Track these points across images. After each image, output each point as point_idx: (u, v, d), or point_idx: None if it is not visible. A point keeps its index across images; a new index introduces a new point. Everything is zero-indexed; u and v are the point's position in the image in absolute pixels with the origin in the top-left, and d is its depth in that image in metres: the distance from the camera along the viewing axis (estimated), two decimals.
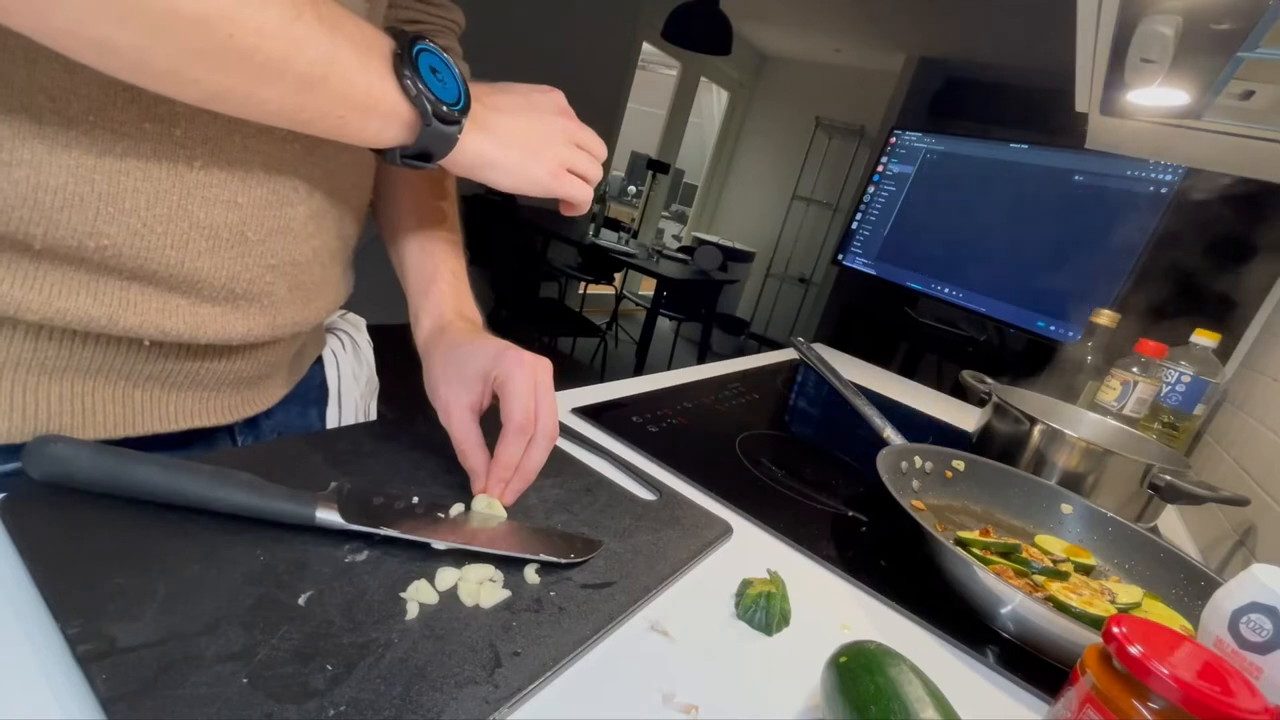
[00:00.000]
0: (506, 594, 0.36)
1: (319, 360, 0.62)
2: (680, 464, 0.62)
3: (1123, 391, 0.95)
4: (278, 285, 0.44)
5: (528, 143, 0.44)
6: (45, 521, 0.32)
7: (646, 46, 4.31)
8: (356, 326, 0.69)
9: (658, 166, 4.44)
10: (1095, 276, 1.69)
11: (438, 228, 0.57)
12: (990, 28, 3.46)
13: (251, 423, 0.52)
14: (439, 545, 0.37)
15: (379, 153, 0.40)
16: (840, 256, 2.27)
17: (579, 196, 0.48)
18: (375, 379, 0.69)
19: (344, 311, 0.69)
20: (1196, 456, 1.09)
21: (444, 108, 0.38)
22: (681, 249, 4.60)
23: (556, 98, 0.47)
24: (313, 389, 0.61)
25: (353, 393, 0.64)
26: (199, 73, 0.31)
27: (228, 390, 0.47)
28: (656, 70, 5.60)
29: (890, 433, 0.86)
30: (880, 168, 2.23)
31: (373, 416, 0.67)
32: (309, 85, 0.33)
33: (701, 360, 1.57)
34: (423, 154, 0.40)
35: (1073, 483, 0.76)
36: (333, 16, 0.34)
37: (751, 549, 0.52)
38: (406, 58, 0.37)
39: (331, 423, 0.62)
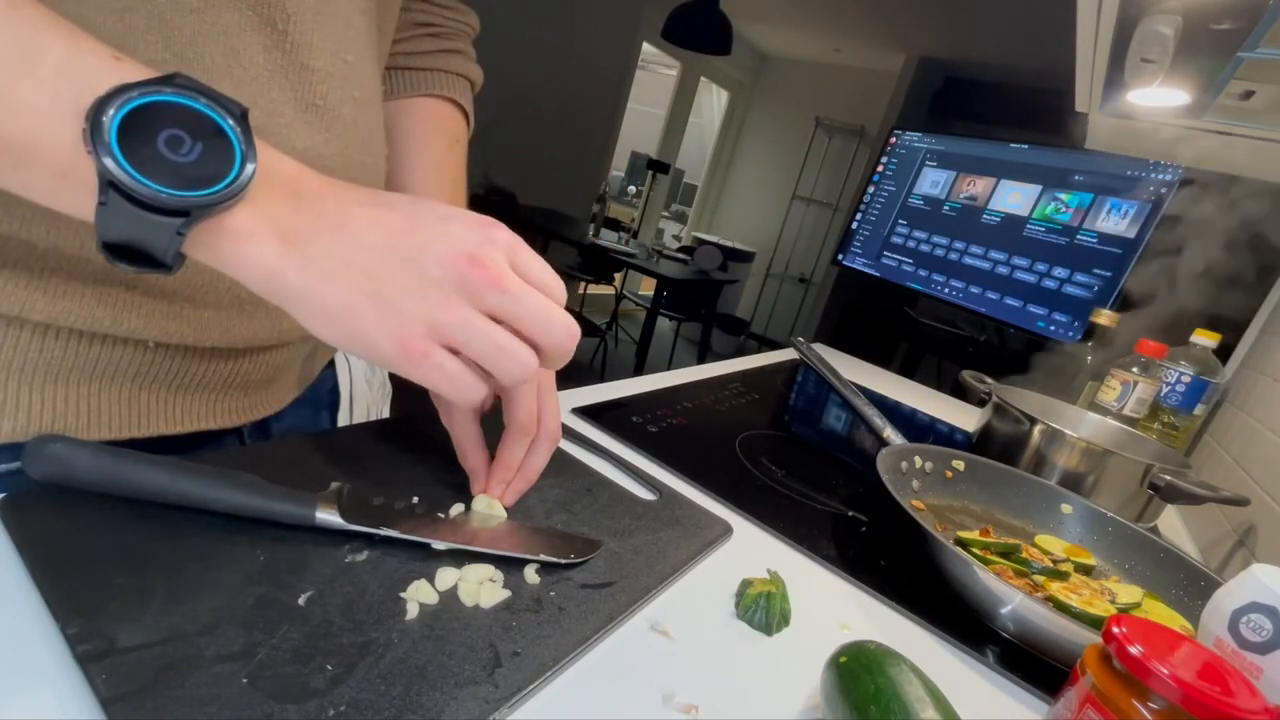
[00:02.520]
0: (506, 594, 0.36)
1: (331, 364, 0.62)
2: (680, 464, 0.62)
3: (1123, 391, 0.95)
4: None
5: (372, 282, 0.29)
6: (45, 521, 0.32)
7: (646, 46, 4.31)
8: None
9: (658, 166, 4.44)
10: (1095, 276, 1.69)
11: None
12: (990, 28, 3.46)
13: (261, 426, 0.52)
14: (439, 545, 0.37)
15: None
16: (840, 256, 2.27)
17: (455, 393, 0.31)
18: (388, 383, 0.69)
19: None
20: (1196, 456, 1.10)
21: (143, 185, 0.25)
22: (681, 249, 4.60)
23: (481, 234, 0.31)
24: (324, 393, 0.61)
25: (365, 396, 0.64)
26: None
27: (235, 393, 0.47)
28: (656, 70, 5.61)
29: (890, 433, 0.86)
30: (880, 168, 2.23)
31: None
32: None
33: (701, 360, 1.57)
34: (130, 250, 0.26)
35: (1073, 483, 0.76)
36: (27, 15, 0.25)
37: (751, 549, 0.52)
38: (114, 100, 0.25)
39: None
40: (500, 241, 0.31)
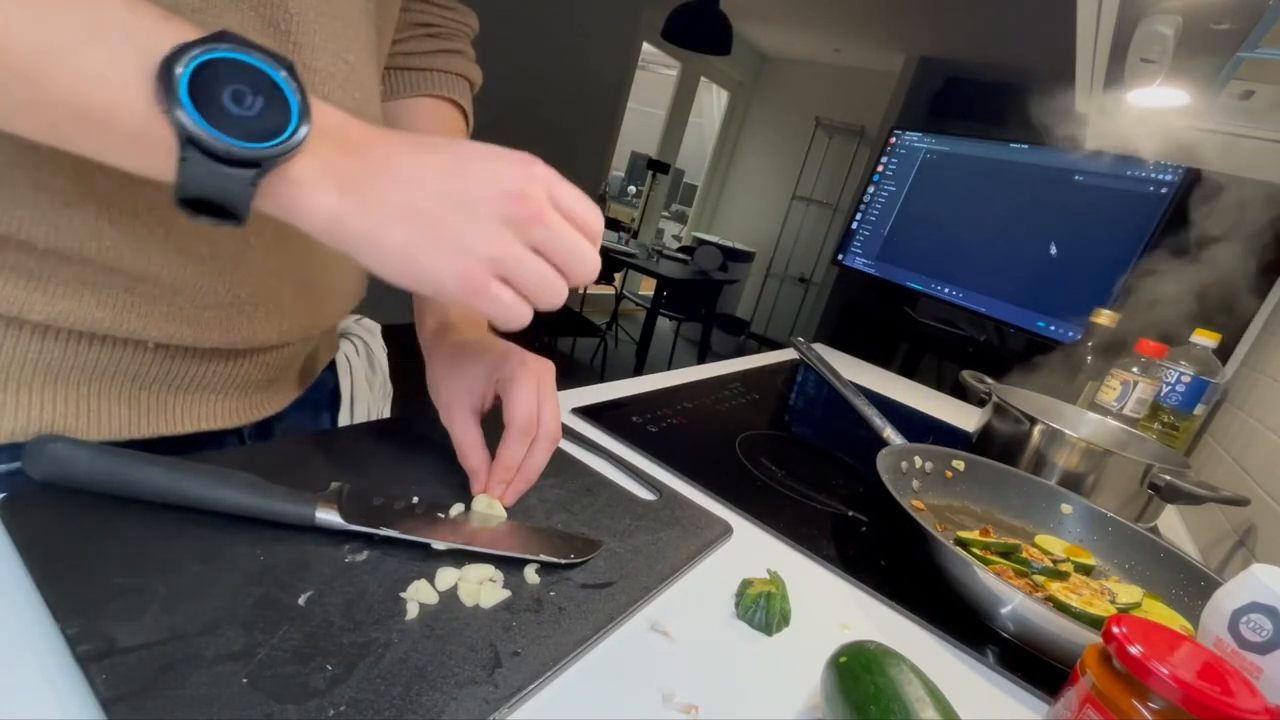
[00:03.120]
0: (506, 594, 0.36)
1: (332, 365, 0.62)
2: (680, 464, 0.62)
3: (1123, 391, 0.95)
4: (283, 291, 0.44)
5: (431, 222, 0.31)
6: (45, 521, 0.32)
7: (646, 46, 4.31)
8: (371, 332, 0.69)
9: (658, 166, 4.44)
10: (1095, 276, 1.69)
11: None
12: (990, 28, 3.46)
13: (262, 426, 0.52)
14: (439, 545, 0.37)
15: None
16: (840, 256, 2.27)
17: (507, 319, 0.33)
18: (389, 384, 0.69)
19: (358, 316, 0.69)
20: (1196, 456, 1.10)
21: (219, 139, 0.26)
22: (681, 249, 4.60)
23: (521, 171, 0.32)
24: (325, 394, 0.61)
25: (365, 398, 0.64)
26: None
27: (236, 394, 0.47)
28: (656, 70, 5.60)
29: (890, 433, 0.86)
30: (880, 168, 2.23)
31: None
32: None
33: (701, 360, 1.57)
34: (205, 203, 0.28)
35: (1073, 483, 0.76)
36: None
37: (751, 549, 0.52)
38: (179, 59, 0.26)
39: None
40: (540, 177, 0.33)
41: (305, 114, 0.28)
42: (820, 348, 1.32)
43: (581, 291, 4.28)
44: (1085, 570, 0.58)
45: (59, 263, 0.35)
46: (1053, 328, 1.75)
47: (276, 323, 0.44)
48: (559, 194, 0.33)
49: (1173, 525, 0.90)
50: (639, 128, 5.43)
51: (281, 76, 0.28)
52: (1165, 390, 1.02)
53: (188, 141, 0.26)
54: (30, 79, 0.25)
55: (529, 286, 0.33)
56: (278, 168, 0.28)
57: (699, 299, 3.82)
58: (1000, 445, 0.86)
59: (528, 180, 0.32)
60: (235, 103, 0.27)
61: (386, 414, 0.67)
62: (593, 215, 0.34)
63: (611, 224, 4.11)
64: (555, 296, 0.34)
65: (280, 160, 0.28)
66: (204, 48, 0.26)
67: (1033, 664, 0.45)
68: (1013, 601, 0.46)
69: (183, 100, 0.26)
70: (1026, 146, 1.92)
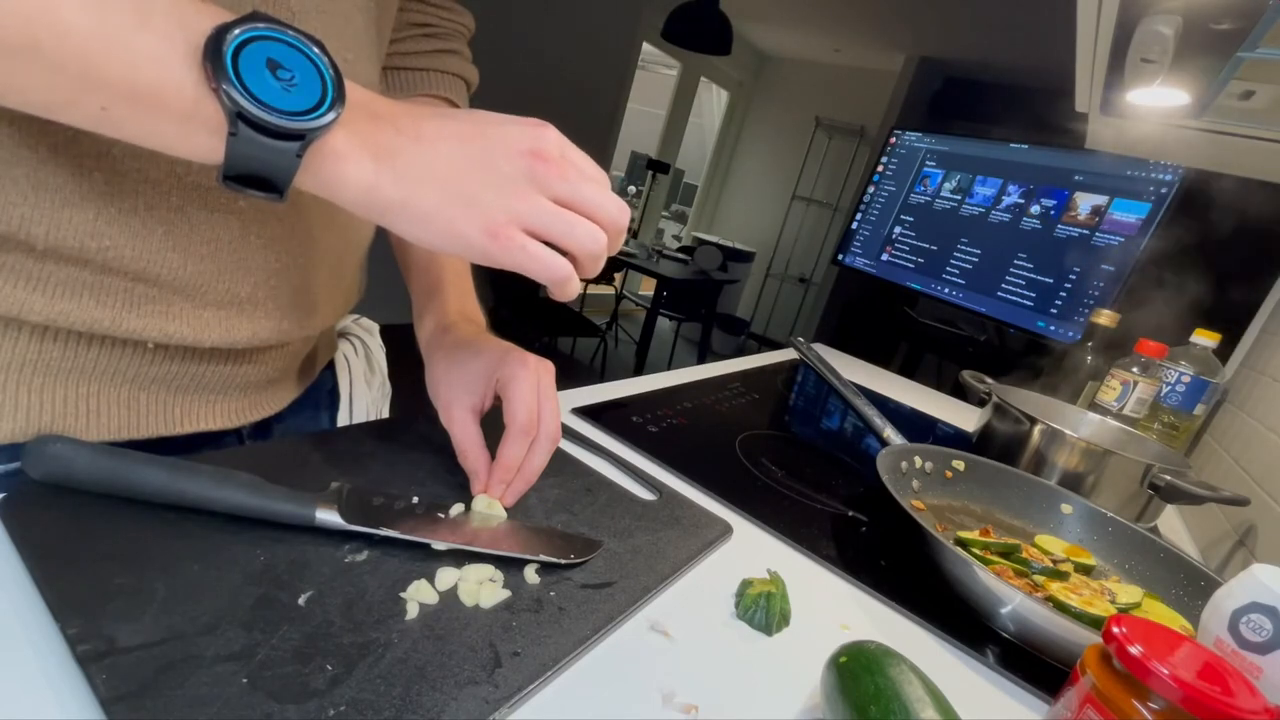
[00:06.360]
0: (506, 594, 0.36)
1: (330, 365, 0.62)
2: (680, 464, 0.62)
3: (1123, 391, 0.95)
4: (283, 290, 0.44)
5: (456, 184, 0.32)
6: (45, 521, 0.32)
7: (646, 46, 4.31)
8: (369, 331, 0.69)
9: (658, 166, 4.44)
10: (1095, 276, 1.69)
11: None
12: (990, 28, 3.46)
13: (261, 426, 0.52)
14: (439, 545, 0.37)
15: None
16: (840, 256, 2.27)
17: (545, 269, 0.33)
18: (388, 384, 0.69)
19: (357, 316, 0.69)
20: (1196, 456, 1.10)
21: (268, 113, 0.27)
22: (681, 249, 4.60)
23: (536, 133, 0.34)
24: (323, 394, 0.61)
25: (364, 398, 0.64)
26: None
27: (235, 394, 0.47)
28: (656, 70, 5.61)
29: (890, 433, 0.86)
30: (880, 168, 2.23)
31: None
32: (34, 53, 0.25)
33: (701, 360, 1.57)
34: (249, 176, 0.29)
35: (1073, 483, 0.76)
36: None
37: (751, 549, 0.52)
38: (223, 39, 0.27)
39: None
40: (552, 139, 0.34)
41: (340, 88, 0.29)
42: (820, 348, 1.32)
43: (581, 291, 4.28)
44: (1085, 570, 0.58)
45: (58, 263, 0.35)
46: (1053, 328, 1.75)
47: (275, 323, 0.44)
48: (569, 154, 0.35)
49: (1173, 525, 0.90)
50: (639, 128, 5.43)
51: (315, 53, 0.29)
52: (1165, 390, 1.02)
53: (237, 117, 0.27)
54: (87, 65, 0.26)
55: (561, 234, 0.34)
56: (319, 140, 0.29)
57: (699, 299, 3.82)
58: (1000, 445, 0.86)
59: (541, 140, 0.34)
60: (275, 79, 0.28)
61: (385, 413, 0.67)
62: (598, 172, 0.36)
63: None
64: (591, 239, 0.34)
65: (322, 132, 0.29)
66: (244, 27, 0.27)
67: (1033, 664, 0.45)
68: (1013, 601, 0.46)
69: (231, 78, 0.27)
70: (1026, 146, 1.92)
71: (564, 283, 0.35)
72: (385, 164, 0.31)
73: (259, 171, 0.29)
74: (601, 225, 0.35)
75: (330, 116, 0.29)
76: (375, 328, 0.70)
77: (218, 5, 0.29)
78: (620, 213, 0.35)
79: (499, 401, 0.46)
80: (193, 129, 0.28)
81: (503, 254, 0.33)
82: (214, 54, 0.26)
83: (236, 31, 0.27)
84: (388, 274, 0.68)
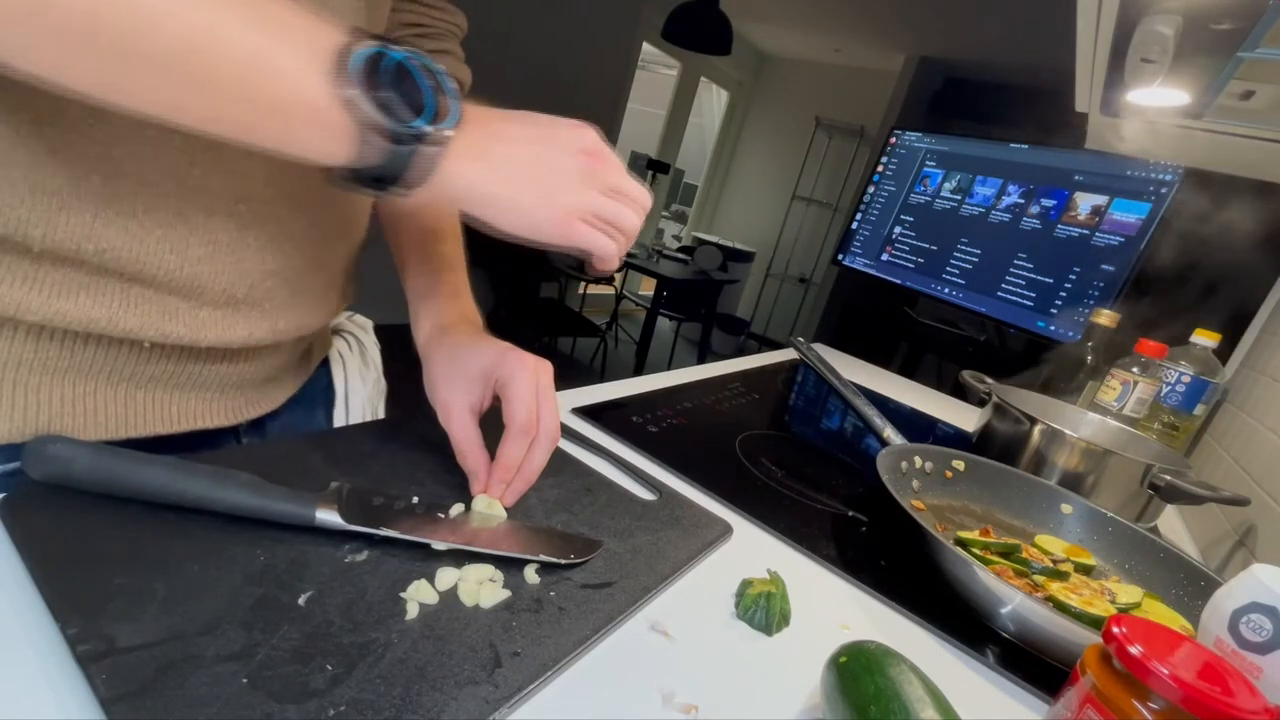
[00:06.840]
0: (506, 594, 0.36)
1: (325, 362, 0.62)
2: (680, 464, 0.62)
3: (1123, 391, 0.95)
4: (278, 291, 0.44)
5: (537, 180, 0.37)
6: (45, 521, 0.32)
7: (646, 46, 4.30)
8: (364, 328, 0.69)
9: (658, 166, 4.44)
10: (1095, 276, 1.69)
11: (440, 229, 0.57)
12: (990, 28, 3.46)
13: (257, 424, 0.52)
14: (439, 545, 0.37)
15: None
16: (840, 256, 2.27)
17: (601, 248, 0.40)
18: (383, 380, 0.69)
19: (351, 313, 0.69)
20: (1196, 456, 1.10)
21: (402, 124, 0.31)
22: (681, 249, 4.60)
23: (584, 134, 0.39)
24: (319, 391, 0.61)
25: (360, 394, 0.64)
26: (46, 52, 0.26)
27: (231, 392, 0.47)
28: (656, 70, 5.60)
29: (890, 433, 0.86)
30: (880, 168, 2.23)
31: (380, 417, 0.67)
32: (188, 75, 0.27)
33: (701, 360, 1.57)
34: (378, 178, 0.33)
35: (1073, 483, 0.76)
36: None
37: (751, 549, 0.52)
38: (349, 53, 0.30)
39: (339, 424, 0.62)
40: (596, 138, 0.40)
41: (442, 94, 0.33)
42: (820, 348, 1.32)
43: (581, 291, 4.28)
44: (1085, 570, 0.58)
45: (55, 263, 0.35)
46: (1053, 328, 1.75)
47: (272, 323, 0.44)
48: (606, 150, 0.41)
49: (1173, 525, 0.90)
50: (639, 128, 5.42)
51: (415, 64, 0.32)
52: (1165, 390, 1.02)
53: (366, 124, 0.30)
54: (239, 82, 0.28)
55: (617, 220, 0.40)
56: (436, 141, 0.32)
57: (699, 299, 3.82)
58: (1000, 445, 0.86)
59: (590, 140, 0.39)
60: (392, 88, 0.31)
61: (381, 410, 0.67)
62: (620, 164, 0.42)
63: None
64: (632, 222, 0.41)
65: (438, 135, 0.32)
66: (362, 43, 0.30)
67: (1033, 664, 0.45)
68: (1013, 601, 0.46)
69: (363, 89, 0.30)
70: (1026, 146, 1.92)
71: (614, 257, 0.41)
72: (483, 162, 0.35)
73: (386, 173, 0.32)
74: (636, 206, 0.41)
75: (449, 121, 0.32)
76: (369, 324, 0.70)
77: None
78: (646, 196, 0.42)
79: (498, 401, 0.46)
80: (324, 136, 0.31)
81: (572, 239, 0.39)
82: (346, 69, 0.29)
83: (357, 47, 0.30)
84: (383, 275, 0.68)
